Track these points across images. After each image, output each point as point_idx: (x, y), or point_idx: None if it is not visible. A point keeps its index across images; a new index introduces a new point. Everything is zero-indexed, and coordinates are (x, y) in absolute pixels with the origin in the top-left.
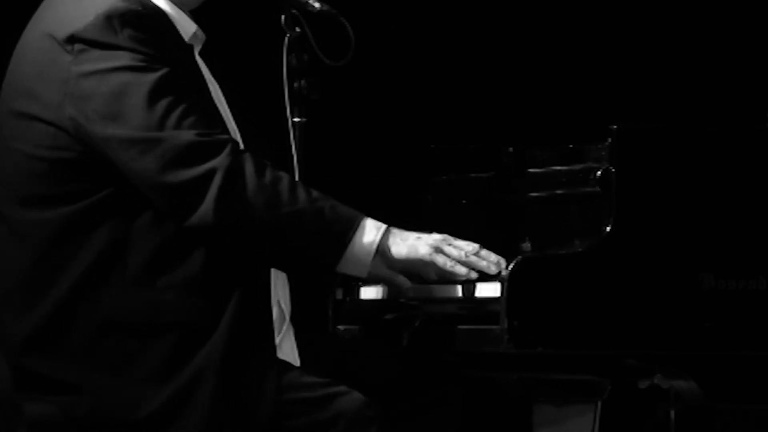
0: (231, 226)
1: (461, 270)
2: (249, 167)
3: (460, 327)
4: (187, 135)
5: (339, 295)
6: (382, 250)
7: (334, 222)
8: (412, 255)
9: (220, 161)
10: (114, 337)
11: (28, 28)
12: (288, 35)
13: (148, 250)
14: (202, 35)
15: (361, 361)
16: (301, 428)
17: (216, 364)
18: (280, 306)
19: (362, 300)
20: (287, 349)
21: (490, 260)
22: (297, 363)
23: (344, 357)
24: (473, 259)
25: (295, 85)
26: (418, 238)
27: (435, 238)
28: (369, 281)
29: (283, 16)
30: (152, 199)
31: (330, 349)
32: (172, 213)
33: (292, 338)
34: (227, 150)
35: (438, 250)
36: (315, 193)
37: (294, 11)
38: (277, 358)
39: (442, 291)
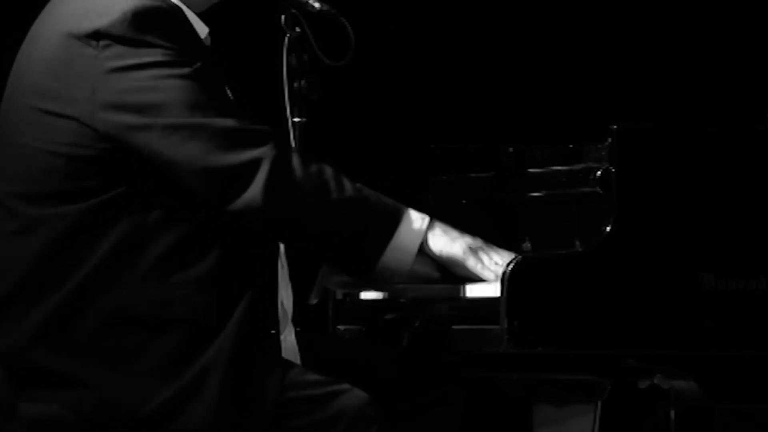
0: (279, 213)
1: (490, 275)
2: (294, 157)
3: (460, 327)
4: (230, 122)
5: (339, 295)
6: (425, 240)
7: (381, 210)
8: (446, 250)
9: (266, 151)
10: (122, 330)
11: (38, 26)
12: (288, 35)
13: (161, 248)
14: (209, 39)
15: (361, 361)
16: (302, 427)
17: (223, 361)
18: (282, 305)
19: (362, 300)
20: (289, 349)
21: None
22: (298, 362)
23: (344, 357)
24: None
25: (295, 85)
26: (458, 236)
27: (473, 241)
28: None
29: (283, 16)
30: (192, 186)
31: (330, 349)
32: (215, 198)
33: (294, 337)
34: (272, 140)
35: (473, 252)
36: (358, 184)
37: (294, 11)
38: (281, 357)
39: (442, 291)
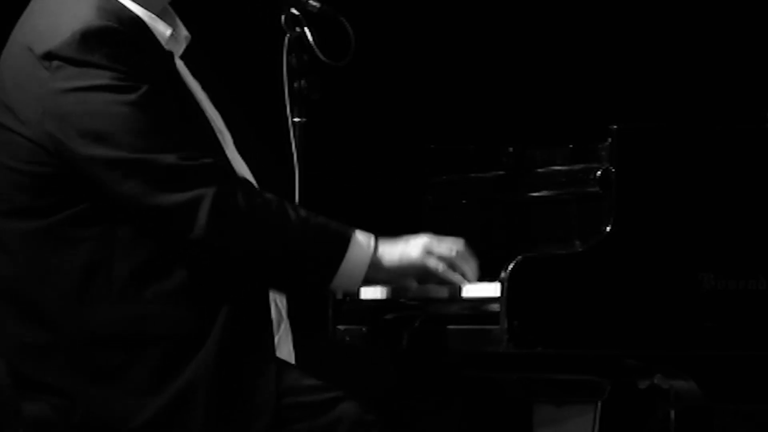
0: (223, 251)
1: (451, 275)
2: (238, 191)
3: (460, 327)
4: (172, 158)
5: (339, 295)
6: (375, 261)
7: (326, 238)
8: (405, 260)
9: (208, 188)
10: (102, 349)
11: (12, 38)
12: (288, 35)
13: (134, 262)
14: (184, 36)
15: (362, 364)
16: None
17: (209, 374)
18: (277, 306)
19: (362, 300)
20: (285, 350)
21: (467, 268)
22: (293, 360)
23: (344, 359)
24: (458, 262)
25: (295, 85)
26: (407, 242)
27: (423, 240)
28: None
29: (283, 16)
30: (139, 218)
31: (329, 352)
32: (161, 233)
33: (290, 338)
34: (214, 175)
35: (428, 252)
36: (303, 212)
37: (294, 11)
38: (275, 362)
39: (441, 291)
